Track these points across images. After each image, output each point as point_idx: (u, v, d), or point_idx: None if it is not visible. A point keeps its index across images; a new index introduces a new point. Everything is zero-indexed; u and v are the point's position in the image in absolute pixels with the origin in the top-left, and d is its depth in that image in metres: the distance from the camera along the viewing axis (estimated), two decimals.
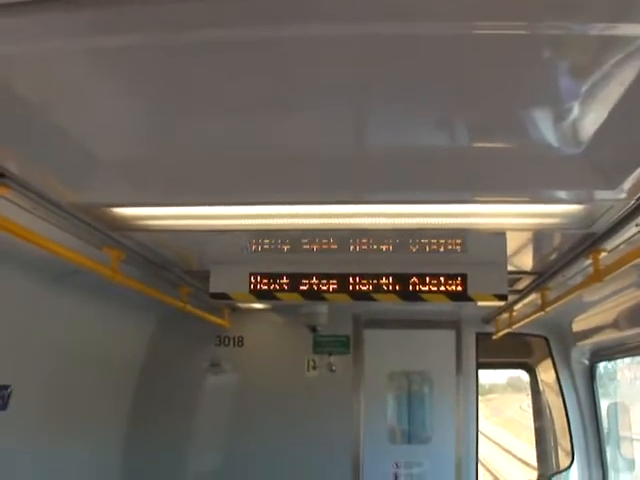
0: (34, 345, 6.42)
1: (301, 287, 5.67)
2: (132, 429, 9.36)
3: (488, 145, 3.86)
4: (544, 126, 3.58)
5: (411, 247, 5.46)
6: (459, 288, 5.54)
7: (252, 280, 5.73)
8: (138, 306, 8.04)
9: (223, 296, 5.90)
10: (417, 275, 5.57)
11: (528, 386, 11.43)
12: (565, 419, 9.52)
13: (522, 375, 12.07)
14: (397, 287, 5.59)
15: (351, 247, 5.50)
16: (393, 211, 4.68)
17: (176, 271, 6.86)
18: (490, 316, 9.57)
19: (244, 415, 9.87)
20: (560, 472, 9.86)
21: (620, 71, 2.89)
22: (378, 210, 4.69)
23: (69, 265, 5.24)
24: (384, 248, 5.48)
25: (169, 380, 9.73)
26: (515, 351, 11.00)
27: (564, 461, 9.76)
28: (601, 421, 9.18)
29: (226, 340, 10.08)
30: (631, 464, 8.79)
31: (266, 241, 5.57)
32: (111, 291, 6.32)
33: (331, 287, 5.63)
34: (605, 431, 9.16)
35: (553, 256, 6.00)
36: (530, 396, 11.37)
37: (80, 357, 7.41)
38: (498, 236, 5.30)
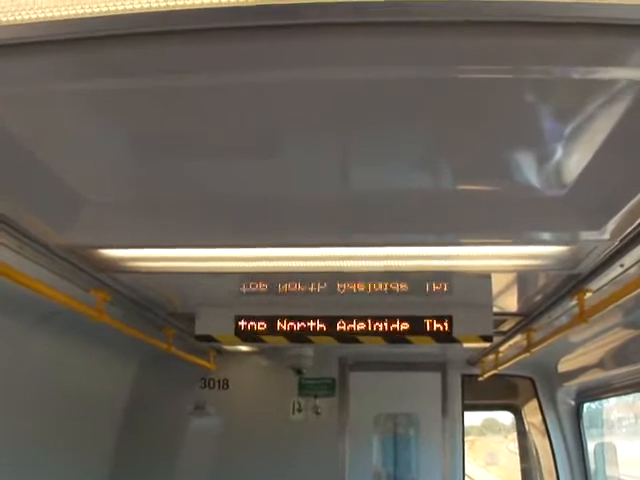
0: (12, 387, 6.33)
1: (286, 329, 5.67)
2: (115, 473, 9.23)
3: (472, 188, 3.85)
4: (528, 168, 3.58)
5: (397, 289, 5.47)
6: (445, 329, 5.55)
7: (237, 322, 5.72)
8: (121, 347, 7.97)
9: (208, 338, 5.88)
10: (402, 317, 5.58)
11: (505, 428, 11.40)
12: (552, 460, 9.47)
13: (500, 417, 12.02)
14: (383, 329, 5.59)
15: (337, 290, 5.50)
16: (379, 254, 4.68)
17: (161, 313, 6.83)
18: (476, 358, 9.56)
19: (229, 458, 9.78)
20: None
21: (603, 114, 2.91)
22: (364, 253, 4.69)
23: (52, 305, 5.21)
24: (370, 291, 5.49)
25: (153, 423, 9.64)
26: (501, 393, 10.97)
27: None
28: (588, 462, 9.14)
29: (211, 383, 10.02)
30: None
31: (252, 284, 5.58)
32: (94, 332, 6.28)
33: (316, 329, 5.63)
34: (592, 471, 9.13)
35: (538, 297, 6.00)
36: (514, 437, 11.33)
37: (60, 399, 7.32)
38: (483, 278, 5.33)
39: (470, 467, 10.12)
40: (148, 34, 2.41)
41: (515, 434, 11.38)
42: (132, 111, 3.02)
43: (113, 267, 5.00)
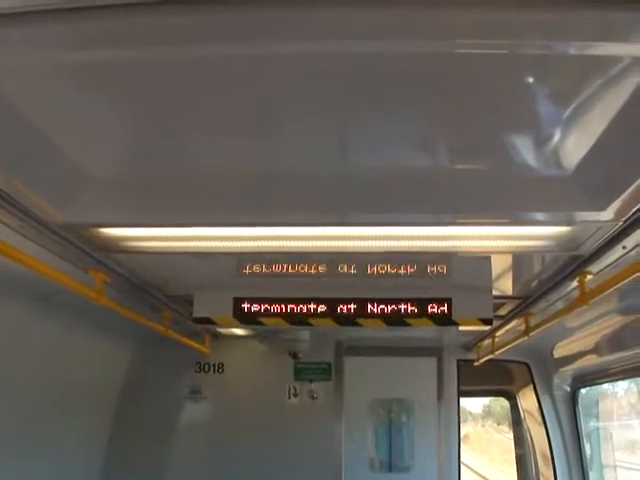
0: (5, 369, 6.33)
1: (285, 311, 5.66)
2: (110, 456, 9.26)
3: (472, 167, 3.82)
4: (530, 148, 3.56)
5: (397, 271, 5.47)
6: (444, 312, 5.55)
7: (236, 304, 5.71)
8: (117, 330, 7.98)
9: (207, 320, 5.87)
10: (403, 300, 5.57)
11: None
12: (547, 447, 9.50)
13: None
14: (383, 312, 5.59)
15: (337, 271, 5.50)
16: (378, 234, 4.66)
17: (158, 295, 6.81)
18: (472, 343, 9.59)
19: (224, 442, 9.80)
20: None
21: (609, 93, 2.90)
22: (363, 233, 4.66)
23: (47, 286, 5.20)
24: (370, 272, 5.49)
25: (148, 406, 9.66)
26: (496, 378, 11.02)
27: None
28: (584, 448, 9.17)
29: (206, 367, 10.03)
30: None
31: (250, 265, 5.57)
32: (89, 314, 6.28)
33: (316, 311, 5.62)
34: (588, 458, 9.17)
35: (537, 280, 6.01)
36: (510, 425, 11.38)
37: (55, 380, 7.31)
38: (483, 259, 5.32)
39: None
40: (147, 4, 2.41)
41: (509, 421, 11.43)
42: (134, 84, 3.01)
43: (112, 247, 4.98)
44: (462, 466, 10.33)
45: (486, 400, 21.69)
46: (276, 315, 5.66)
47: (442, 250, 4.90)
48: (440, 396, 10.14)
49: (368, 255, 5.23)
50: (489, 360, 9.02)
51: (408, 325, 5.60)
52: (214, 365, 10.05)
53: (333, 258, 5.44)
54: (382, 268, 5.46)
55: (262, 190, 4.06)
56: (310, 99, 3.14)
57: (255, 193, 4.10)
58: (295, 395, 9.97)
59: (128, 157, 3.84)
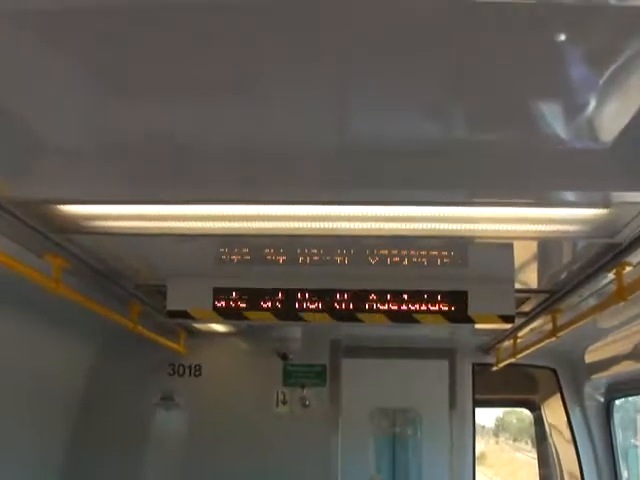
0: None
1: (274, 304, 5.67)
2: (66, 473, 9.21)
3: (493, 137, 3.79)
4: (561, 116, 3.53)
5: (402, 258, 5.46)
6: (458, 307, 5.56)
7: (216, 296, 5.72)
8: (76, 326, 7.96)
9: (182, 314, 5.88)
10: (409, 292, 5.58)
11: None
12: (577, 467, 9.52)
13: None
14: (386, 306, 5.60)
15: (334, 258, 5.49)
16: (382, 214, 4.65)
17: (126, 285, 6.80)
18: (490, 344, 9.59)
19: (200, 458, 9.80)
20: None
21: None
22: (364, 212, 4.64)
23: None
24: (371, 259, 5.48)
25: (112, 415, 9.65)
26: (518, 386, 11.04)
27: None
28: (620, 469, 9.17)
29: (181, 369, 10.04)
30: None
31: (233, 249, 5.56)
32: (43, 306, 6.27)
33: (310, 305, 5.63)
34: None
35: (567, 271, 6.01)
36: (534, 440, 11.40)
37: (5, 380, 7.29)
38: (504, 247, 5.32)
39: None
40: None
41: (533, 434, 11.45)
42: (98, 41, 2.98)
43: (72, 227, 4.96)
44: None
45: (499, 412, 21.66)
46: (263, 309, 5.67)
47: (456, 234, 4.89)
48: (452, 406, 10.18)
49: (369, 239, 5.23)
50: (510, 365, 9.05)
51: (416, 322, 5.61)
52: (190, 367, 10.05)
53: (329, 242, 5.43)
54: (386, 255, 5.45)
55: (247, 163, 4.05)
56: (304, 55, 3.11)
57: (239, 166, 4.09)
58: (284, 403, 9.99)
59: (91, 124, 3.81)
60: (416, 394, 10.20)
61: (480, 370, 10.26)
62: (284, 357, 9.57)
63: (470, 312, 5.53)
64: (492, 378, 10.14)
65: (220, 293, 5.71)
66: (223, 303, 5.70)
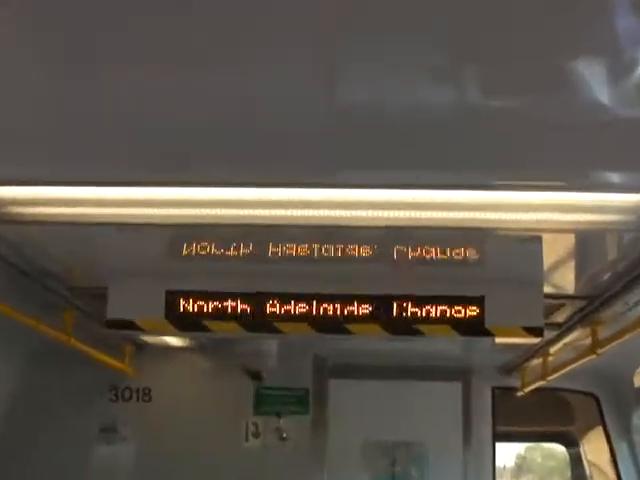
0: None
1: (242, 312, 5.66)
2: None
3: (516, 105, 3.80)
4: (601, 77, 3.56)
5: (404, 256, 5.47)
6: (473, 317, 5.56)
7: (170, 301, 5.71)
8: None
9: (127, 324, 5.86)
10: (412, 297, 5.58)
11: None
12: None
13: None
14: (383, 314, 5.59)
15: (316, 253, 5.50)
16: (377, 199, 4.68)
17: (57, 287, 6.81)
18: (513, 363, 9.63)
19: None
20: None
21: None
22: (356, 198, 4.68)
23: None
24: (365, 256, 5.49)
25: (40, 451, 9.62)
26: (549, 415, 11.07)
27: None
28: None
29: (126, 393, 10.04)
30: None
31: (191, 243, 5.56)
32: None
33: (287, 312, 5.62)
34: None
35: (611, 272, 6.03)
36: None
37: None
38: (531, 241, 5.34)
39: None
40: None
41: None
42: None
43: None
44: None
45: (519, 447, 21.63)
46: (228, 317, 5.66)
47: (471, 225, 4.93)
48: (467, 440, 10.21)
49: (363, 231, 5.24)
50: (539, 389, 9.08)
51: (420, 334, 5.61)
52: (137, 391, 10.06)
53: (312, 235, 5.43)
54: (383, 251, 5.46)
55: (210, 137, 4.07)
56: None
57: (199, 141, 4.10)
58: (256, 435, 10.01)
59: (15, 91, 3.83)
60: (421, 424, 10.21)
61: (502, 395, 10.29)
62: (256, 378, 9.61)
63: (488, 323, 5.52)
64: (517, 406, 10.16)
65: (174, 297, 5.68)
66: (178, 310, 5.68)
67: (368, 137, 4.00)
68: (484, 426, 10.22)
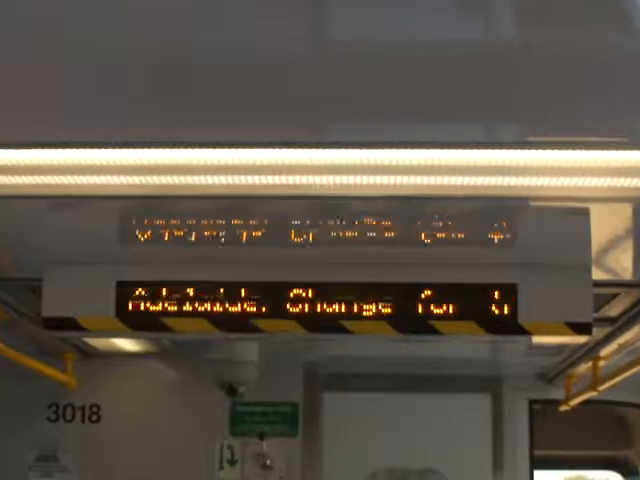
0: None
1: (212, 307, 5.64)
2: None
3: (558, 39, 3.78)
4: None
5: (414, 233, 5.45)
6: (503, 311, 5.54)
7: (121, 294, 5.69)
8: None
9: (67, 323, 5.85)
10: (426, 286, 5.56)
11: None
12: None
13: None
14: (391, 309, 5.57)
15: (305, 232, 5.46)
16: (382, 162, 4.66)
17: None
18: (555, 370, 9.64)
19: None
20: None
21: None
22: (354, 160, 4.66)
23: None
24: (365, 235, 5.47)
25: None
26: (601, 435, 11.11)
27: None
28: None
29: (69, 411, 10.09)
30: None
31: (150, 221, 5.53)
32: None
33: (269, 308, 5.60)
34: None
35: None
36: None
37: None
38: (575, 213, 5.33)
39: None
40: None
41: None
42: None
43: None
44: None
45: (558, 476, 21.71)
46: (195, 313, 5.65)
47: (499, 194, 4.91)
48: (498, 465, 10.23)
49: (362, 203, 5.24)
50: (588, 402, 9.09)
51: (436, 333, 5.59)
52: (82, 408, 10.11)
53: (299, 208, 5.41)
54: (388, 228, 5.44)
55: (169, 83, 4.05)
56: None
57: (158, 87, 4.09)
58: (232, 462, 10.03)
59: None
60: (440, 448, 10.24)
61: (541, 411, 10.31)
62: (231, 391, 9.57)
63: (521, 318, 5.49)
64: (560, 423, 10.19)
65: (127, 290, 5.67)
66: (132, 306, 5.66)
67: (365, 83, 3.97)
68: (519, 449, 10.25)
